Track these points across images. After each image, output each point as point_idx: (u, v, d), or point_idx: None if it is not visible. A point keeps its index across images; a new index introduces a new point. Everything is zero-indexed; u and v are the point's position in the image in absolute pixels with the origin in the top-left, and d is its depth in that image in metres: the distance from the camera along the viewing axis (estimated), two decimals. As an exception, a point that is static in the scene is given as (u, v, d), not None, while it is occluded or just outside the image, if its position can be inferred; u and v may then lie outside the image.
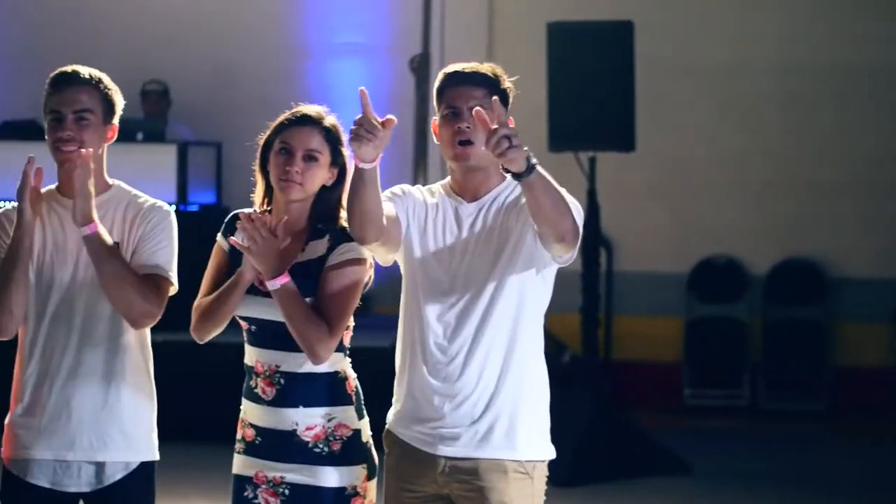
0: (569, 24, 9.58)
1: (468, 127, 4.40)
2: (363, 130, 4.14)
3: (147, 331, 4.60)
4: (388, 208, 4.39)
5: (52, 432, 4.50)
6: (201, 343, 4.62)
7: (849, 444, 11.35)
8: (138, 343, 4.58)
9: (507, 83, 4.51)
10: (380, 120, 4.16)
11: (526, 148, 4.08)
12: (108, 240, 4.46)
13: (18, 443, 4.54)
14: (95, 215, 4.44)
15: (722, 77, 12.07)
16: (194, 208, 10.95)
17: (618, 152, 9.54)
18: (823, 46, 12.08)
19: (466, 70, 4.50)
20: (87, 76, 4.64)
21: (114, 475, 4.53)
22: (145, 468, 4.58)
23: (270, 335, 4.48)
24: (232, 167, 10.83)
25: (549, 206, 4.22)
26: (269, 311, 4.45)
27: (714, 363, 12.24)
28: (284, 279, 4.38)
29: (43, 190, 4.63)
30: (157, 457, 4.61)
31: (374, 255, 4.50)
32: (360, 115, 4.16)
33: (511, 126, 4.11)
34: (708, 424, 11.79)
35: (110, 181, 4.66)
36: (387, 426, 4.59)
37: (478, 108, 4.20)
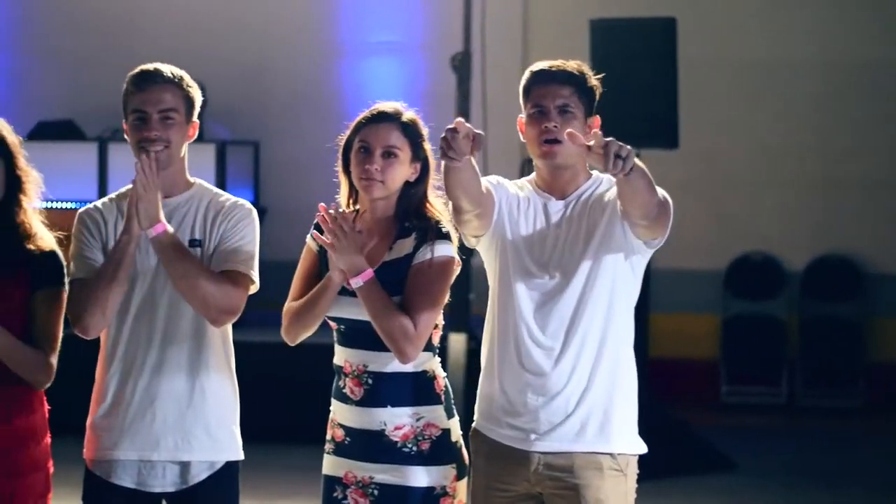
0: (611, 21, 9.54)
1: (555, 126, 4.38)
2: (453, 153, 4.11)
3: (229, 328, 4.57)
4: (484, 184, 4.37)
5: (135, 432, 4.48)
6: (292, 346, 4.60)
7: (887, 441, 11.32)
8: (221, 341, 4.55)
9: (593, 81, 4.50)
10: (471, 136, 4.13)
11: (631, 151, 4.07)
12: (177, 240, 4.43)
13: (101, 443, 4.51)
14: (162, 216, 4.41)
15: (758, 73, 12.03)
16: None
17: (661, 149, 9.50)
18: (860, 42, 12.06)
19: (553, 68, 4.47)
20: (169, 74, 4.60)
21: (199, 475, 4.50)
22: (230, 468, 4.55)
23: (359, 335, 4.45)
24: (269, 166, 10.84)
25: (643, 189, 4.20)
26: (358, 311, 4.41)
27: (751, 360, 12.22)
28: (368, 276, 4.35)
29: (123, 189, 4.61)
30: (241, 456, 4.58)
31: (466, 229, 4.43)
32: (450, 137, 4.10)
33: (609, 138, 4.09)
34: (745, 422, 11.77)
35: (192, 179, 4.64)
36: (473, 425, 4.55)
37: (570, 131, 4.19)
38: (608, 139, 4.05)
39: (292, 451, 9.31)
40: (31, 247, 4.47)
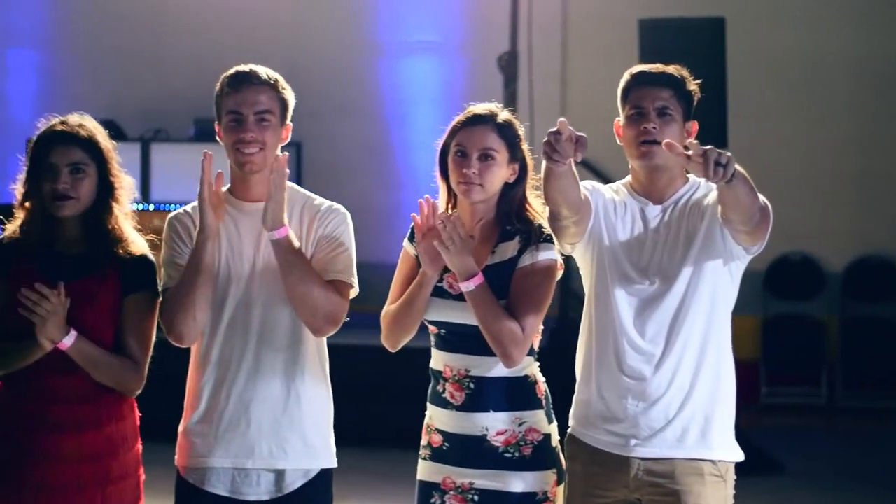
0: (660, 21, 9.50)
1: (654, 127, 4.34)
2: (557, 156, 4.07)
3: (323, 338, 4.52)
4: (582, 190, 4.33)
5: (230, 440, 4.41)
6: (393, 352, 4.55)
7: (931, 441, 11.28)
8: (316, 346, 4.49)
9: (692, 85, 4.46)
10: (574, 139, 4.09)
11: (731, 157, 4.02)
12: (297, 244, 4.36)
13: (195, 451, 4.45)
14: (286, 219, 4.35)
15: (799, 69, 11.98)
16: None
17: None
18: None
19: (653, 71, 4.45)
20: (265, 76, 4.54)
21: (293, 483, 4.44)
22: (324, 475, 4.49)
23: (460, 339, 4.41)
24: (311, 166, 10.79)
25: (744, 197, 4.16)
26: (460, 315, 4.38)
27: (791, 361, 12.18)
28: (479, 280, 4.30)
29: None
30: (335, 464, 4.52)
31: (562, 235, 4.38)
32: (554, 139, 4.06)
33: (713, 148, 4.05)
34: (786, 422, 11.72)
35: (288, 184, 4.57)
36: (569, 430, 4.51)
37: (668, 141, 4.14)
38: (707, 147, 4.01)
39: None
40: (122, 252, 4.43)
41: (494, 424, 4.40)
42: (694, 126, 4.44)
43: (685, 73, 4.47)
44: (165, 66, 12.28)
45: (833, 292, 12.28)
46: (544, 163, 4.19)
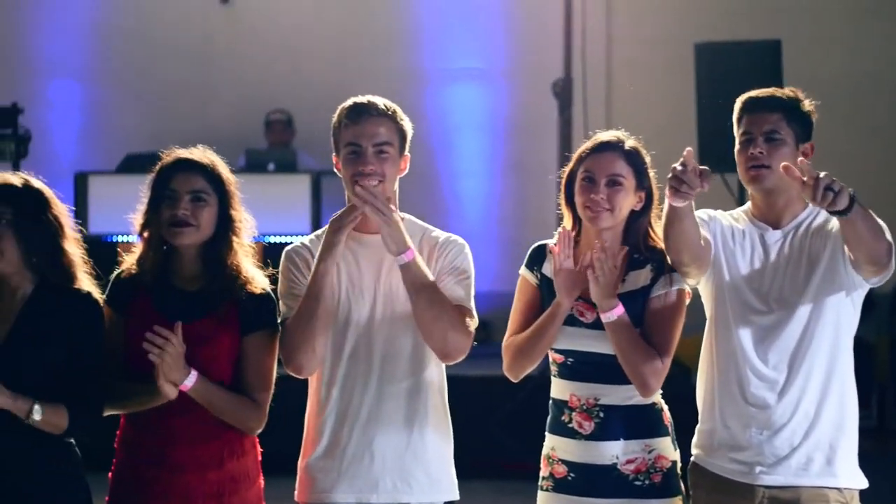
0: (716, 45, 9.49)
1: (760, 152, 4.33)
2: (685, 188, 4.05)
3: (443, 366, 4.47)
4: (703, 233, 4.31)
5: (353, 475, 4.36)
6: (516, 381, 4.52)
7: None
8: (438, 379, 4.44)
9: (807, 106, 4.43)
10: (698, 171, 4.06)
11: (845, 187, 4.00)
12: (425, 267, 4.31)
13: (317, 486, 4.40)
14: (410, 241, 4.29)
15: (850, 92, 11.94)
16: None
17: (766, 171, 9.43)
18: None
19: (760, 95, 4.46)
20: (383, 107, 4.49)
21: (418, 515, 4.39)
22: (450, 507, 4.46)
23: (589, 367, 4.39)
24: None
25: (866, 234, 4.13)
26: (591, 343, 4.36)
27: (842, 383, 12.09)
28: (620, 311, 4.28)
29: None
30: (457, 496, 4.47)
31: (683, 276, 4.39)
32: (680, 170, 4.05)
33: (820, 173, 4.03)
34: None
35: (402, 215, 4.53)
36: (693, 458, 4.48)
37: (786, 164, 4.11)
38: (822, 173, 3.98)
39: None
40: (241, 289, 4.37)
41: (625, 453, 4.37)
42: (810, 148, 4.41)
43: (800, 95, 4.46)
44: (211, 98, 12.26)
45: (882, 313, 12.22)
46: (666, 206, 4.18)
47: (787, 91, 4.48)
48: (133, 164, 11.10)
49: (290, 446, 4.67)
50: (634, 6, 11.46)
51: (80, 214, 10.87)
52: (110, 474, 4.46)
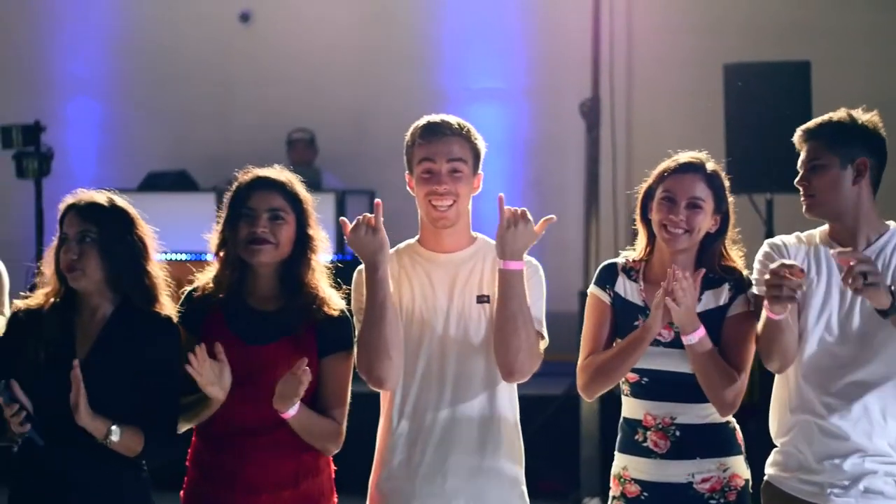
0: (745, 66, 9.46)
1: (805, 183, 4.46)
2: (787, 290, 4.05)
3: (514, 386, 4.45)
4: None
5: (427, 494, 4.34)
6: (590, 401, 4.50)
7: None
8: (509, 400, 4.42)
9: (861, 124, 4.43)
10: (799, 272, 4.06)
11: (888, 285, 4.02)
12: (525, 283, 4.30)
13: (391, 504, 4.39)
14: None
15: (879, 113, 11.93)
16: (350, 258, 10.80)
17: (795, 194, 9.40)
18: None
19: (809, 126, 4.48)
20: (457, 125, 4.46)
21: (493, 537, 4.36)
22: (520, 524, 4.43)
23: (665, 386, 4.37)
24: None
25: None
26: (667, 362, 4.35)
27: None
28: (702, 332, 4.27)
29: (402, 245, 4.50)
30: None
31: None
32: (788, 271, 4.05)
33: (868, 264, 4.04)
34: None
35: (474, 234, 4.52)
36: (766, 478, 4.48)
37: (836, 252, 4.11)
38: (866, 262, 4.01)
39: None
40: (318, 309, 4.34)
41: (700, 471, 4.37)
42: (862, 162, 4.39)
43: (842, 116, 4.45)
44: (231, 117, 12.23)
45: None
46: (763, 318, 4.20)
47: (840, 115, 4.47)
48: (155, 183, 11.07)
49: (359, 465, 4.64)
50: (663, 27, 11.45)
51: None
52: (182, 493, 4.43)
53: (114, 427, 4.14)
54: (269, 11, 12.38)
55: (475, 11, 12.10)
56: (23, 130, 10.63)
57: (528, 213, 4.30)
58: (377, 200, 4.33)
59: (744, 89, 9.34)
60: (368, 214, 4.30)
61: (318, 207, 11.39)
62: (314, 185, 11.42)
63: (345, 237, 4.33)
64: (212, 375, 4.17)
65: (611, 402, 9.35)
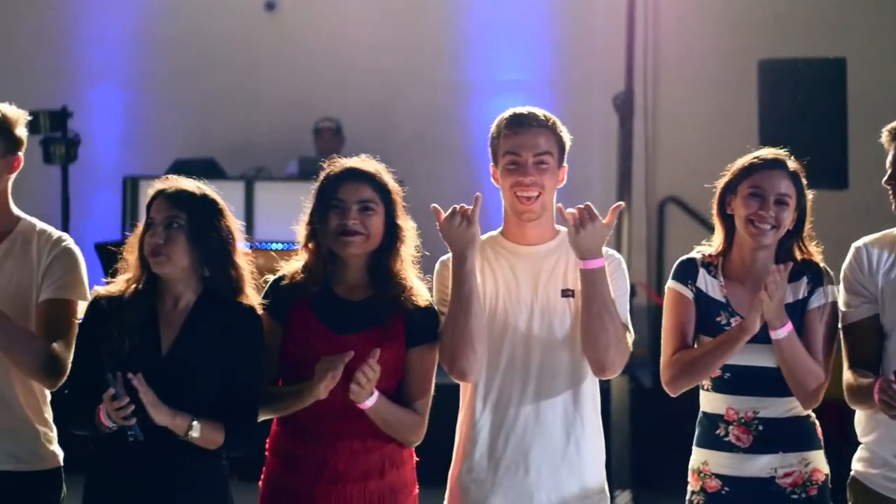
0: (779, 62, 9.45)
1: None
2: None
3: (597, 380, 4.44)
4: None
5: (508, 487, 4.34)
6: (674, 396, 4.49)
7: None
8: (592, 393, 4.42)
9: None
10: None
11: None
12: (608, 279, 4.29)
13: (470, 497, 4.39)
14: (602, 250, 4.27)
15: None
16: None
17: (830, 190, 9.41)
18: None
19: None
20: (542, 117, 4.44)
21: (571, 529, 4.36)
22: (599, 521, 4.43)
23: (749, 381, 4.38)
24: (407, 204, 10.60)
25: None
26: (752, 357, 4.36)
27: None
28: (790, 327, 4.29)
29: (485, 236, 4.48)
30: None
31: None
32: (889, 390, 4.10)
33: None
34: None
35: (557, 227, 4.51)
36: (853, 473, 4.48)
37: None
38: None
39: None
40: (407, 300, 4.32)
41: (783, 466, 4.39)
42: None
43: None
44: (256, 106, 12.19)
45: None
46: (858, 384, 4.26)
47: None
48: (182, 170, 11.00)
49: (437, 457, 4.63)
50: (696, 21, 11.43)
51: (132, 219, 10.87)
52: (261, 483, 4.41)
53: (195, 423, 4.12)
54: (294, 0, 12.35)
55: (502, 3, 12.09)
56: (50, 116, 10.63)
57: (592, 208, 4.28)
58: (477, 194, 4.30)
59: (778, 85, 9.34)
60: (466, 206, 4.28)
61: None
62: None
63: (437, 224, 4.30)
64: (322, 374, 4.15)
65: (639, 395, 9.36)
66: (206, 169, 10.88)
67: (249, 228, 10.73)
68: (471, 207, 4.27)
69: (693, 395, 4.53)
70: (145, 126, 12.26)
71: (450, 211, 4.28)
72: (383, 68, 12.16)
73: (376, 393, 4.19)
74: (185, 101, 12.23)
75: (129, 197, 11.02)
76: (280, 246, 9.67)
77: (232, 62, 12.23)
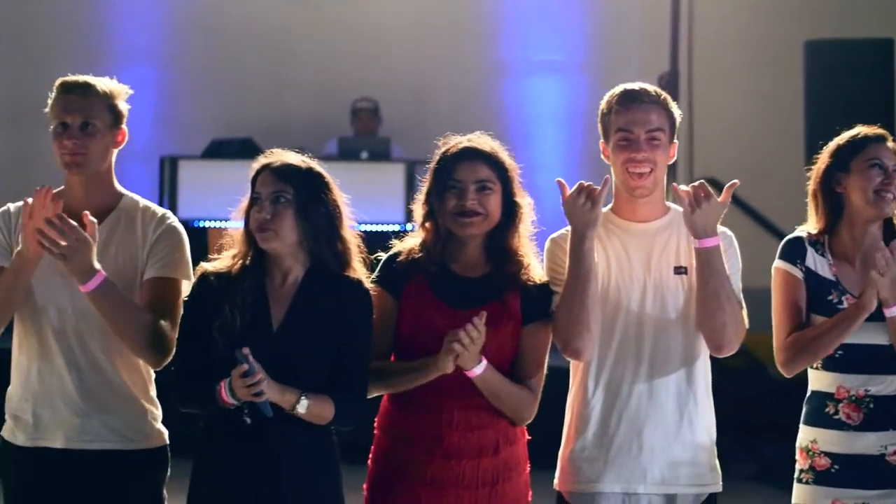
0: (826, 42, 9.46)
1: None
2: None
3: (709, 359, 4.43)
4: None
5: (621, 464, 4.33)
6: (789, 377, 4.49)
7: None
8: (705, 371, 4.41)
9: None
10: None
11: None
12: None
13: (582, 475, 4.37)
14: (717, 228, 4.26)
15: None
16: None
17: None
18: None
19: None
20: (654, 93, 4.42)
21: (685, 508, 4.36)
22: (711, 500, 4.41)
23: (861, 359, 4.39)
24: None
25: None
26: (864, 335, 4.36)
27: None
28: None
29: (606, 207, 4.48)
30: (721, 488, 4.44)
31: None
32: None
33: None
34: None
35: (668, 204, 4.49)
36: None
37: None
38: None
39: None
40: (524, 276, 4.31)
41: (893, 443, 4.39)
42: None
43: None
44: (289, 86, 12.17)
45: None
46: None
47: None
48: (219, 150, 11.00)
49: (545, 438, 4.61)
50: (743, 2, 11.43)
51: (170, 199, 10.83)
52: (370, 460, 4.39)
53: (302, 398, 4.10)
54: (329, -20, 12.35)
55: (537, -17, 12.10)
56: (88, 96, 10.57)
57: (706, 186, 4.26)
58: (607, 177, 4.29)
59: (825, 67, 9.34)
60: (593, 185, 4.25)
61: (387, 178, 11.32)
62: (383, 155, 11.44)
63: (561, 201, 4.27)
64: (472, 352, 4.13)
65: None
66: (245, 149, 10.84)
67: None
68: (598, 187, 4.24)
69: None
70: (178, 107, 12.22)
71: (576, 187, 4.26)
72: (416, 48, 12.14)
73: (484, 361, 4.17)
74: (219, 81, 12.20)
75: (168, 177, 10.98)
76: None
77: (265, 42, 12.21)
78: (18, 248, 4.30)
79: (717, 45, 11.18)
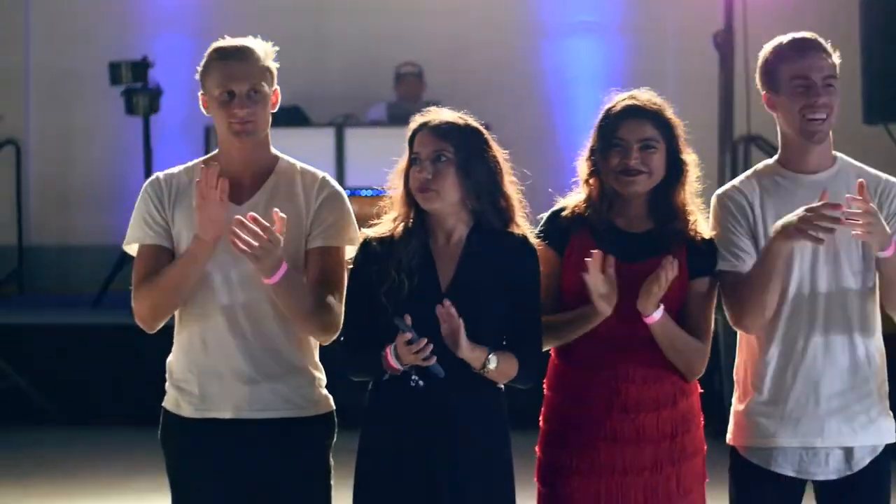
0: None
1: None
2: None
3: (878, 306, 4.44)
4: None
5: (798, 419, 4.33)
6: None
7: None
8: (875, 320, 4.40)
9: None
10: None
11: None
12: None
13: (759, 431, 4.36)
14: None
15: None
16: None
17: (927, 124, 9.45)
18: None
19: None
20: (821, 41, 4.45)
21: (862, 460, 4.36)
22: (888, 451, 4.42)
23: None
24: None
25: None
26: None
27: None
28: None
29: (760, 166, 4.49)
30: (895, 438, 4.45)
31: None
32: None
33: None
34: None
35: (835, 154, 4.49)
36: None
37: None
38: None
39: None
40: (692, 231, 4.32)
41: None
42: None
43: None
44: (327, 52, 12.10)
45: None
46: None
47: None
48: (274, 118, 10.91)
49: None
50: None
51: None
52: (541, 420, 4.39)
53: (491, 356, 4.07)
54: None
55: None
56: (132, 67, 10.51)
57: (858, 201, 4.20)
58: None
59: (881, 23, 9.34)
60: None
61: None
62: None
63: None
64: (603, 286, 4.13)
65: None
66: (292, 116, 10.80)
67: (340, 175, 10.73)
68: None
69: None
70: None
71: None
72: (455, 12, 12.08)
73: (662, 307, 4.18)
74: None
75: (214, 147, 10.90)
76: (370, 192, 9.60)
77: (303, 7, 12.11)
78: (195, 233, 4.26)
79: (771, 1, 11.14)
